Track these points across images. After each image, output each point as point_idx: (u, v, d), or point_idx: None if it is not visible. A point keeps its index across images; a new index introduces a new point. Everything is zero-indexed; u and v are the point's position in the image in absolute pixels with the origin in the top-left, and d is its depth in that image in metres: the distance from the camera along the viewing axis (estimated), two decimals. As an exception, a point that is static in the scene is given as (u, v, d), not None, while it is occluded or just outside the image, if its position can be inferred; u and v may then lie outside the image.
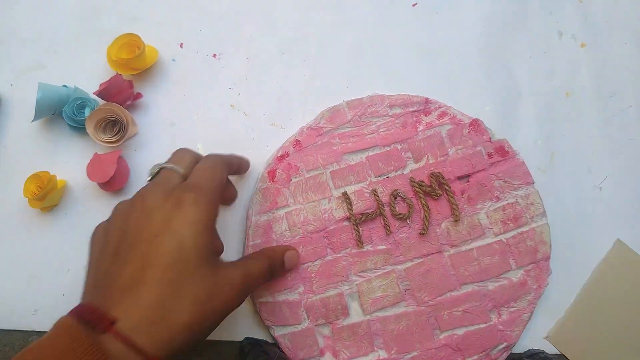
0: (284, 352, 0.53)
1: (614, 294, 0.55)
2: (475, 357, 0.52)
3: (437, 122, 0.57)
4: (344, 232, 0.55)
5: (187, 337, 0.38)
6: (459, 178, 0.56)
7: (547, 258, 0.54)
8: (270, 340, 0.55)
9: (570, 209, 0.58)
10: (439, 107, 0.57)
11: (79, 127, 0.58)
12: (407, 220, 0.55)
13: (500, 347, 0.52)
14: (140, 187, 0.44)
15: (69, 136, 0.60)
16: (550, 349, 0.54)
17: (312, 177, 0.56)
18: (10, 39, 0.64)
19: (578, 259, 0.56)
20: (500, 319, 0.53)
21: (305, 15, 0.64)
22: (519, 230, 0.54)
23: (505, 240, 0.54)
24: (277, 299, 0.54)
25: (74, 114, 0.57)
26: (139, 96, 0.60)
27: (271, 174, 0.56)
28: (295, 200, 0.56)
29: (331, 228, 0.55)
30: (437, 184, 0.55)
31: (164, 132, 0.61)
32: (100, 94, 0.57)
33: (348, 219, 0.55)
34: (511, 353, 0.53)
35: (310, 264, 0.54)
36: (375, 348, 0.53)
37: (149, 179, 0.46)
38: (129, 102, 0.59)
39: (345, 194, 0.55)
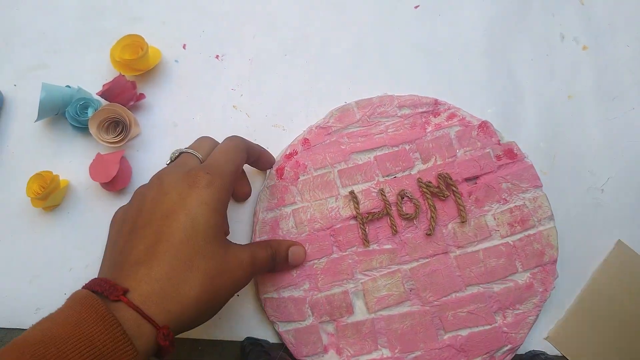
0: (285, 352, 0.51)
1: (615, 295, 0.52)
2: (479, 358, 0.49)
3: (446, 123, 0.54)
4: (350, 231, 0.52)
5: (196, 310, 0.38)
6: (467, 180, 0.53)
7: (554, 261, 0.51)
8: (271, 340, 0.52)
9: (572, 210, 0.55)
10: (448, 109, 0.55)
11: (82, 127, 0.56)
12: (414, 221, 0.52)
13: (505, 349, 0.50)
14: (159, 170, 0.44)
15: (72, 136, 0.58)
16: (551, 350, 0.52)
17: (320, 175, 0.53)
18: (13, 39, 0.62)
19: (579, 260, 0.54)
20: (505, 321, 0.50)
21: (307, 17, 0.61)
22: (526, 233, 0.51)
23: (511, 243, 0.51)
24: (283, 295, 0.51)
25: (77, 114, 0.55)
26: (141, 97, 0.58)
27: (279, 171, 0.54)
28: (303, 198, 0.53)
29: (338, 226, 0.52)
30: (444, 185, 0.52)
31: (166, 133, 0.58)
32: (103, 94, 0.55)
33: (355, 217, 0.52)
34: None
35: (316, 261, 0.52)
36: (379, 347, 0.50)
37: (168, 162, 0.47)
38: (131, 103, 0.57)
39: (352, 192, 0.52)
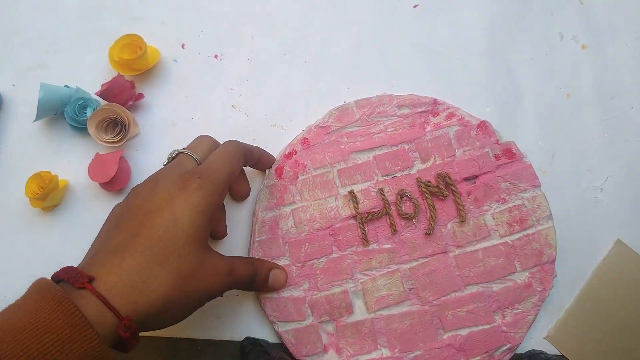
0: (285, 352, 0.50)
1: (614, 294, 0.52)
2: (478, 357, 0.49)
3: (445, 123, 0.54)
4: (349, 230, 0.52)
5: (163, 306, 0.37)
6: (466, 179, 0.53)
7: (553, 261, 0.51)
8: (270, 340, 0.52)
9: (570, 209, 0.55)
10: (447, 108, 0.55)
11: (81, 128, 0.56)
12: (413, 220, 0.52)
13: (504, 348, 0.49)
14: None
15: (70, 136, 0.58)
16: (550, 349, 0.52)
17: (319, 175, 0.53)
18: (12, 39, 0.61)
19: (578, 259, 0.54)
20: (504, 321, 0.50)
21: (306, 17, 0.61)
22: (525, 233, 0.51)
23: (510, 242, 0.51)
24: (282, 294, 0.51)
25: (76, 114, 0.55)
26: (140, 97, 0.57)
27: (278, 171, 0.53)
28: (302, 197, 0.53)
29: (337, 226, 0.52)
30: (443, 185, 0.52)
31: (165, 133, 0.58)
32: (102, 94, 0.54)
33: (354, 217, 0.52)
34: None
35: (315, 261, 0.51)
36: (379, 346, 0.50)
37: (165, 163, 0.46)
38: (130, 103, 0.56)
39: (351, 192, 0.52)
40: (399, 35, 0.59)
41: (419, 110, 0.54)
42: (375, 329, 0.50)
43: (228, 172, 0.43)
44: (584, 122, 0.57)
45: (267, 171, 0.54)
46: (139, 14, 0.61)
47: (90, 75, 0.58)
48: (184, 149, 0.46)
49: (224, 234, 0.51)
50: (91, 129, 0.53)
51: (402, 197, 0.52)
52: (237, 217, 0.54)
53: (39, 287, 0.34)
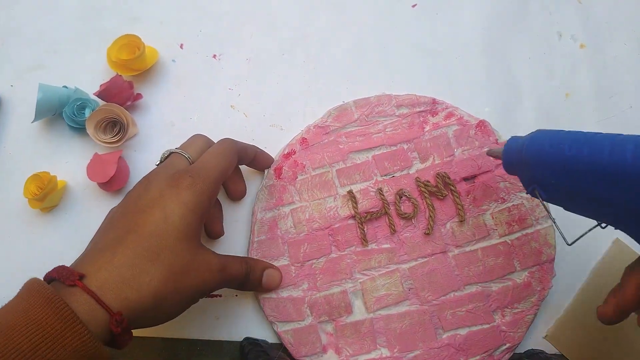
0: (284, 352, 0.50)
1: None
2: (478, 357, 0.49)
3: (443, 122, 0.54)
4: (348, 230, 0.52)
5: (154, 302, 0.37)
6: (465, 179, 0.53)
7: (552, 260, 0.51)
8: (270, 340, 0.52)
9: None
10: (446, 108, 0.54)
11: (79, 128, 0.56)
12: (412, 220, 0.52)
13: (503, 348, 0.49)
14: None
15: (69, 137, 0.58)
16: (550, 349, 0.52)
17: (318, 175, 0.53)
18: (10, 39, 0.61)
19: (577, 258, 0.53)
20: (503, 320, 0.50)
21: (305, 16, 0.61)
22: (524, 232, 0.51)
23: (510, 242, 0.51)
24: (281, 295, 0.51)
25: (74, 114, 0.55)
26: (139, 97, 0.57)
27: (277, 171, 0.53)
28: (301, 197, 0.53)
29: (336, 226, 0.52)
30: (442, 184, 0.52)
31: (164, 133, 0.58)
32: (100, 94, 0.54)
33: (353, 217, 0.52)
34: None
35: (314, 261, 0.51)
36: (378, 346, 0.50)
37: (158, 163, 0.47)
38: (129, 103, 0.56)
39: (350, 192, 0.52)
40: (398, 35, 0.59)
41: (418, 110, 0.54)
42: (375, 329, 0.50)
43: (220, 170, 0.44)
44: (582, 121, 0.57)
45: (266, 171, 0.54)
46: (137, 14, 0.61)
47: (88, 76, 0.58)
48: (176, 148, 0.46)
49: (220, 233, 0.52)
50: (90, 129, 0.53)
51: (401, 197, 0.52)
52: (236, 217, 0.54)
53: (30, 287, 0.35)
